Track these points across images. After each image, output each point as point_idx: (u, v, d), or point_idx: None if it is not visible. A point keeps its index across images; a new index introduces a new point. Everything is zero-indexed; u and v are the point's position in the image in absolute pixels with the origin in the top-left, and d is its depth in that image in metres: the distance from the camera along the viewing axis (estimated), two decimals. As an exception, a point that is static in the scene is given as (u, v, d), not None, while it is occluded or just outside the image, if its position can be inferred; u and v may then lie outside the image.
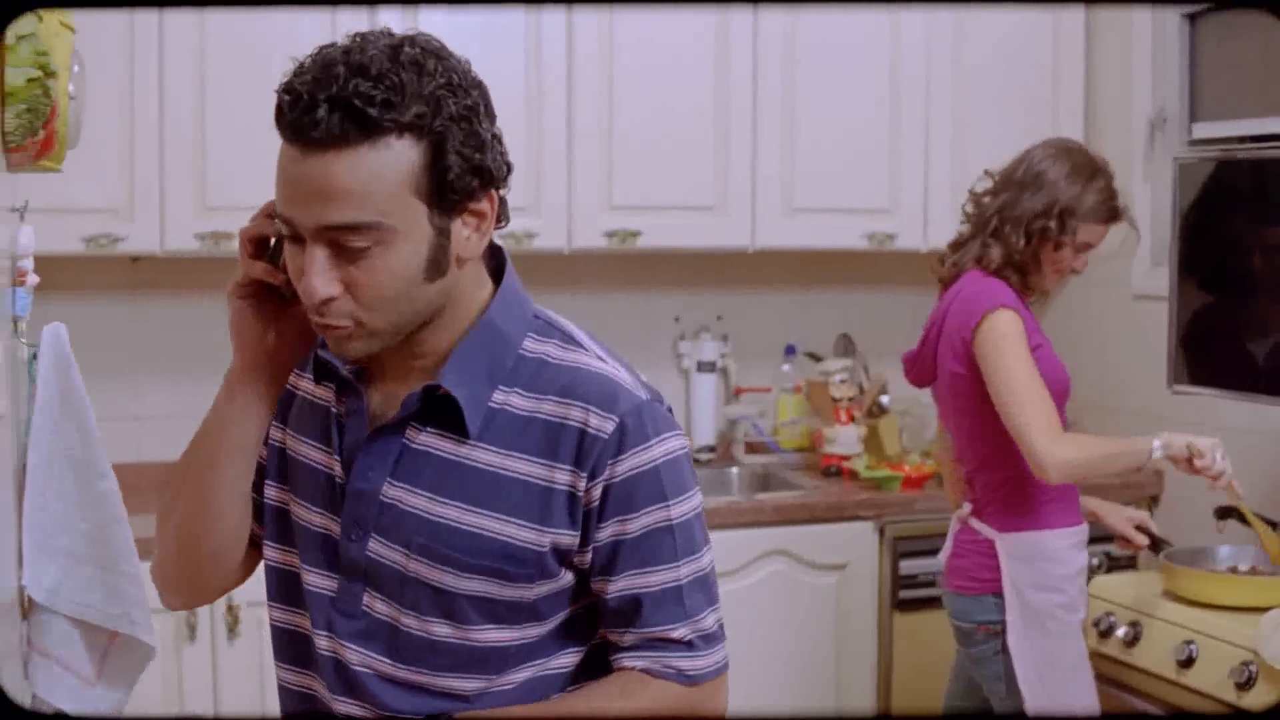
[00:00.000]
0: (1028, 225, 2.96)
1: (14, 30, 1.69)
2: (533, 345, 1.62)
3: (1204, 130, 3.12)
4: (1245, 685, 2.71)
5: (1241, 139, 3.05)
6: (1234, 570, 3.10)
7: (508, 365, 1.60)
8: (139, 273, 3.83)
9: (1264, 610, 2.80)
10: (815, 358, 4.34)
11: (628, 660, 1.63)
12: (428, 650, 1.61)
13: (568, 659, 1.66)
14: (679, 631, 1.62)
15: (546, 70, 3.78)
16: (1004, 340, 2.87)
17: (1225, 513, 3.29)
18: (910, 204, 4.13)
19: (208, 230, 3.55)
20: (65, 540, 1.93)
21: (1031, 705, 2.88)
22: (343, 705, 1.64)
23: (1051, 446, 2.79)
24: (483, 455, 1.58)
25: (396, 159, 1.46)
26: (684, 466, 1.63)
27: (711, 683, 1.65)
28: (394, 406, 1.61)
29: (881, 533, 3.85)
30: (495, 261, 1.65)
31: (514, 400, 1.59)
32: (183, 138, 3.51)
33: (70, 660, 1.94)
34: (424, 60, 1.48)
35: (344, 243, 1.47)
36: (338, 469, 1.63)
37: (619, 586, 1.60)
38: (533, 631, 1.62)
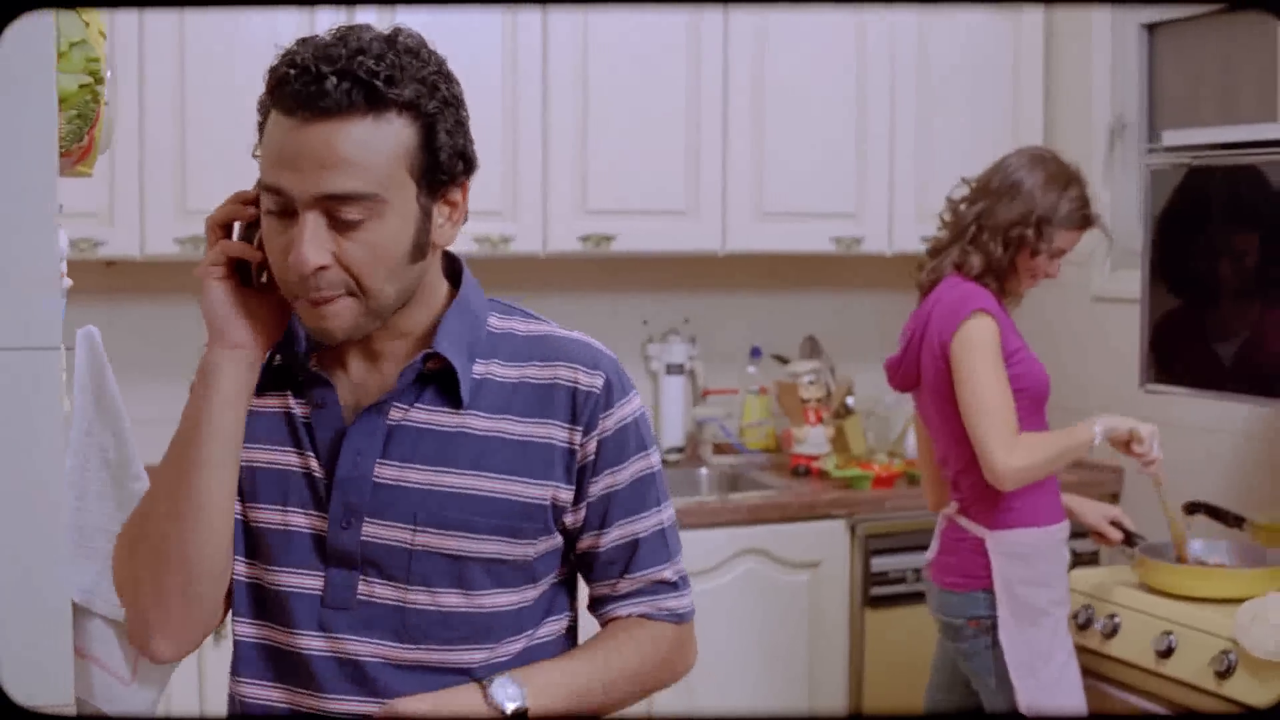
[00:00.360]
0: (1005, 233, 3.04)
1: (66, 37, 1.70)
2: (498, 322, 1.71)
3: (1175, 138, 3.21)
4: (1225, 674, 2.80)
5: (1211, 146, 3.14)
6: (1204, 563, 3.19)
7: (482, 340, 1.68)
8: (113, 277, 3.82)
9: (1238, 602, 2.90)
10: (782, 360, 4.40)
11: (624, 609, 1.75)
12: (438, 624, 1.65)
13: (552, 627, 1.75)
14: (667, 572, 1.75)
15: (523, 75, 3.82)
16: (978, 347, 2.95)
17: (1193, 508, 3.40)
18: (876, 208, 4.21)
19: (188, 235, 3.55)
20: (101, 541, 1.94)
21: (1025, 699, 2.95)
22: (342, 703, 1.65)
23: (1005, 457, 2.89)
24: (477, 422, 1.65)
25: (395, 134, 1.54)
26: (649, 420, 1.79)
27: (690, 621, 1.80)
28: (367, 395, 1.67)
29: (853, 531, 3.92)
30: (448, 264, 1.73)
31: (495, 370, 1.68)
32: (163, 142, 3.51)
33: (107, 660, 1.95)
34: (417, 48, 1.57)
35: (339, 213, 1.53)
36: (314, 465, 1.66)
37: (612, 537, 1.72)
38: (529, 594, 1.70)
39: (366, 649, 1.65)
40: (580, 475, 1.68)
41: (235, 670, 1.71)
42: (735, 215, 4.07)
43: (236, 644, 1.71)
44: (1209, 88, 3.99)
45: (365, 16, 3.61)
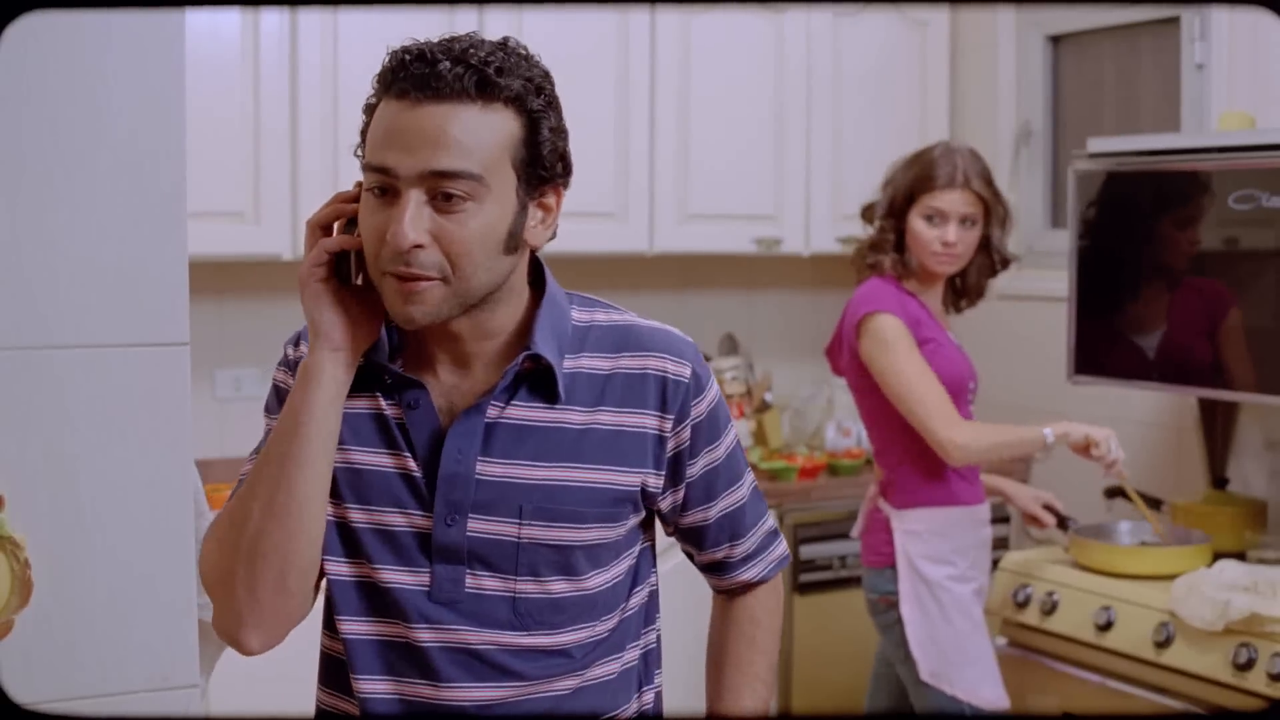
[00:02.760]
0: (877, 213, 3.26)
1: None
2: (581, 315, 1.77)
3: (1099, 144, 3.42)
4: (1164, 644, 3.01)
5: (1137, 153, 3.36)
6: (1146, 543, 3.39)
7: (569, 335, 1.74)
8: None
9: (1169, 578, 3.11)
10: (704, 357, 4.53)
11: (747, 573, 1.89)
12: (548, 609, 1.72)
13: (639, 596, 1.83)
14: (770, 521, 1.92)
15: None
16: (885, 344, 3.12)
17: (1113, 493, 3.61)
18: (793, 211, 4.37)
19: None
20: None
21: (925, 668, 3.13)
22: (461, 690, 1.70)
23: (950, 433, 3.06)
24: (573, 416, 1.71)
25: (502, 124, 1.61)
26: None
27: None
28: (460, 398, 1.71)
29: (782, 520, 4.07)
30: (530, 266, 1.78)
31: (584, 363, 1.73)
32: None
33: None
34: (526, 53, 1.66)
35: (444, 190, 1.58)
36: (411, 465, 1.70)
37: (720, 506, 1.84)
38: (622, 568, 1.78)
39: (478, 637, 1.70)
40: (675, 461, 1.77)
41: (352, 669, 1.73)
42: (662, 217, 4.19)
43: (348, 644, 1.73)
44: (1109, 97, 4.23)
45: (308, 19, 3.66)
